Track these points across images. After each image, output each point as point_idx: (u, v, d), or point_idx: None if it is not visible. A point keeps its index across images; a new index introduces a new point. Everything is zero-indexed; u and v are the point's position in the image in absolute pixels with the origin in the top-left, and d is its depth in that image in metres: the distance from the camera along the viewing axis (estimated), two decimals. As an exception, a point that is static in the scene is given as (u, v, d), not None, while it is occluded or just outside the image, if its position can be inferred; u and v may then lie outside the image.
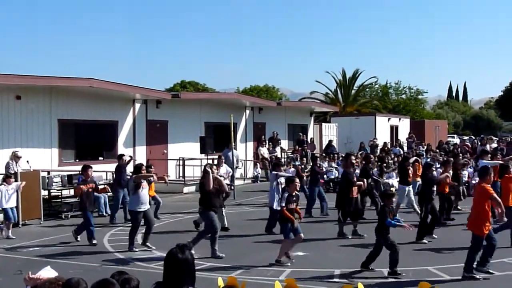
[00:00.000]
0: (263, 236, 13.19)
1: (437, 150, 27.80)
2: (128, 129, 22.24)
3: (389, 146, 30.95)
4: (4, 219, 13.78)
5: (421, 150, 29.05)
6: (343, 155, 19.81)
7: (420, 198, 13.02)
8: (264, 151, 27.40)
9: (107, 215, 17.10)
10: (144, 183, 11.84)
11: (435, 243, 12.10)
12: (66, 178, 17.90)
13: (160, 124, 23.59)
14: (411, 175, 15.95)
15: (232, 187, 20.90)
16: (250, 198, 18.88)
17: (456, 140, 46.21)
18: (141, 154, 22.47)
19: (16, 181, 14.42)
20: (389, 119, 40.54)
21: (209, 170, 11.52)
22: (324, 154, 27.03)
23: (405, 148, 31.43)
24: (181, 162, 23.25)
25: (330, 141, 30.84)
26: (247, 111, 29.05)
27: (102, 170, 20.16)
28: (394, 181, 21.30)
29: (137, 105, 22.63)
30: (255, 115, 29.63)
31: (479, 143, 28.41)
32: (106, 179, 20.04)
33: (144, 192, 11.84)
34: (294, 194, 10.61)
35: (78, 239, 12.69)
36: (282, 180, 13.25)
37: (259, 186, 23.88)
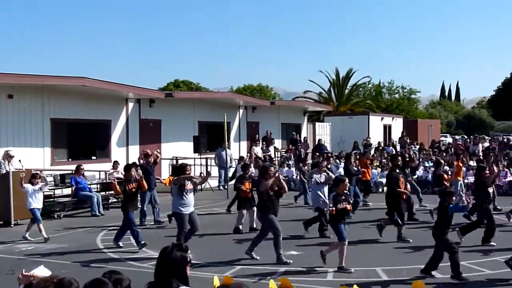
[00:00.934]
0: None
1: (430, 150, 27.85)
2: (121, 128, 22.17)
3: (382, 145, 31.00)
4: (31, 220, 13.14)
5: (414, 149, 29.13)
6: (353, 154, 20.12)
7: (477, 201, 12.47)
8: (257, 150, 27.35)
9: (100, 214, 17.06)
10: (189, 185, 11.14)
11: (426, 242, 12.11)
12: (58, 177, 17.86)
13: (154, 123, 23.53)
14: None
15: (226, 187, 20.91)
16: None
17: (449, 139, 46.36)
18: (134, 154, 22.39)
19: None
20: (382, 118, 40.59)
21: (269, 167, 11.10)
22: (317, 154, 27.03)
23: (398, 148, 31.47)
24: (174, 161, 23.20)
25: (320, 141, 30.83)
26: (241, 111, 29.04)
27: (95, 170, 20.13)
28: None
29: (130, 104, 22.57)
30: (249, 115, 29.62)
31: (472, 143, 28.48)
32: (99, 178, 20.00)
33: (190, 194, 11.15)
34: (343, 193, 10.21)
35: (120, 244, 12.08)
36: (322, 179, 13.28)
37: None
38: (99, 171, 20.22)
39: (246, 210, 13.92)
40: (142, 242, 11.68)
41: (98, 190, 18.81)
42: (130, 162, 20.88)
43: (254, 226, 13.64)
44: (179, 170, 11.61)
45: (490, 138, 36.06)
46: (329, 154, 26.31)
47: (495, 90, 54.75)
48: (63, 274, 4.23)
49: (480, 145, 27.38)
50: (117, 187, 12.78)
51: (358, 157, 20.63)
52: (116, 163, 20.20)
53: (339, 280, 9.04)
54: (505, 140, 31.52)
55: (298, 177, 24.49)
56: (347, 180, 10.65)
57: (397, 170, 13.14)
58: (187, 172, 11.25)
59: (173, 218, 13.79)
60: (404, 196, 12.70)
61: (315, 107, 40.83)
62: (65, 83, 18.91)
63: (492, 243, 11.72)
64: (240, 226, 13.74)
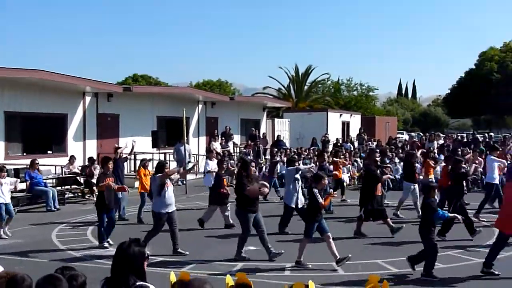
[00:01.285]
0: (218, 231, 13.18)
1: (387, 146, 28.26)
2: (78, 122, 21.83)
3: (341, 141, 31.32)
4: None
5: (371, 146, 29.50)
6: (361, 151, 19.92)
7: (451, 194, 12.65)
8: (216, 145, 27.29)
9: (55, 210, 16.77)
10: (169, 182, 10.94)
11: (383, 237, 12.31)
12: (13, 172, 17.46)
13: (111, 117, 23.26)
14: (417, 172, 16.01)
15: (184, 182, 20.81)
16: (202, 193, 18.78)
17: (405, 136, 47.09)
18: (91, 148, 22.14)
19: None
20: (340, 115, 40.95)
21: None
22: (276, 149, 27.15)
23: (356, 144, 31.85)
24: (132, 156, 22.95)
25: (278, 136, 30.97)
26: (200, 106, 28.94)
27: (51, 164, 19.79)
28: (345, 176, 21.63)
29: (88, 98, 22.23)
30: (208, 110, 29.54)
31: (427, 140, 29.02)
32: (55, 173, 19.66)
33: (170, 192, 10.91)
34: (322, 190, 10.22)
35: (105, 244, 11.46)
36: (298, 176, 13.24)
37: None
38: (55, 166, 19.86)
39: (218, 206, 13.93)
40: (105, 244, 11.39)
41: (54, 185, 18.50)
42: (87, 156, 20.70)
43: (231, 221, 13.67)
44: (158, 168, 11.34)
45: (444, 135, 36.74)
46: (288, 150, 26.56)
47: (450, 88, 55.81)
48: (17, 270, 4.14)
49: (435, 142, 27.93)
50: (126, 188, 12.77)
51: (316, 154, 20.73)
52: (72, 158, 19.92)
53: (296, 275, 9.10)
54: (459, 137, 32.22)
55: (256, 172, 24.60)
56: (325, 177, 10.70)
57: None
58: (166, 170, 11.06)
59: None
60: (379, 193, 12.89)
61: (274, 103, 40.94)
62: (20, 75, 18.45)
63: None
64: (231, 220, 13.68)
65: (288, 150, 27.41)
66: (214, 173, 15.13)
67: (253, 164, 10.98)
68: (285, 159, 21.14)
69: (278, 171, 20.94)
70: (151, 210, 11.25)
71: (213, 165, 16.72)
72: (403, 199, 15.11)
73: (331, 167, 18.57)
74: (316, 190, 9.89)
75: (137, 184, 21.48)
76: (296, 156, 17.77)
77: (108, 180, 11.80)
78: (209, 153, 19.35)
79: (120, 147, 17.55)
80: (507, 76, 48.33)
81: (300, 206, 12.96)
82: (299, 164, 15.35)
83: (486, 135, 36.80)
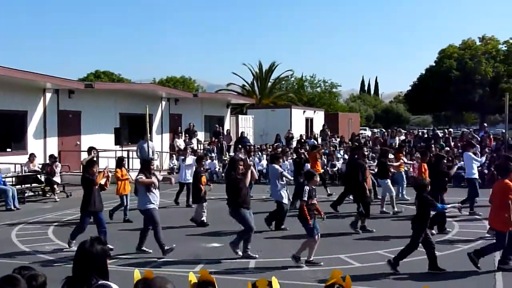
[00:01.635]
0: (183, 229, 13.12)
1: (350, 142, 28.52)
2: (39, 120, 21.44)
3: (304, 138, 31.48)
4: None
5: (335, 142, 29.75)
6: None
7: (435, 190, 12.88)
8: (180, 142, 27.19)
9: (15, 209, 16.46)
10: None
11: (345, 233, 12.42)
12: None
13: (73, 114, 22.91)
14: (390, 168, 16.13)
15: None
16: (166, 190, 18.65)
17: (368, 132, 47.65)
18: (52, 146, 21.77)
19: None
20: (304, 111, 41.17)
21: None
22: (239, 146, 27.16)
23: (319, 140, 32.05)
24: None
25: (242, 133, 31.00)
26: (163, 102, 28.75)
27: (11, 162, 19.44)
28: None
29: (48, 95, 21.85)
30: (171, 107, 29.36)
31: (389, 136, 29.39)
32: (15, 171, 19.31)
33: (156, 190, 10.83)
34: (313, 188, 9.95)
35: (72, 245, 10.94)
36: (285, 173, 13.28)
37: (175, 177, 23.63)
38: (15, 164, 19.51)
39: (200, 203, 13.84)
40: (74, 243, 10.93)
41: (14, 183, 18.15)
42: (48, 154, 20.37)
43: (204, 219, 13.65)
44: (145, 165, 11.26)
45: (406, 131, 37.27)
46: (252, 147, 26.59)
47: (411, 85, 56.53)
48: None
49: (397, 138, 28.30)
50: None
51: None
52: (32, 156, 19.59)
53: (260, 272, 9.11)
54: (420, 133, 32.70)
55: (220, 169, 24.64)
56: (317, 175, 10.73)
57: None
58: (140, 180, 10.75)
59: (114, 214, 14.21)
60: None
61: (238, 100, 40.94)
62: (-23, 71, 18.06)
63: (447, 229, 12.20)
64: (204, 219, 13.64)
65: (252, 147, 27.48)
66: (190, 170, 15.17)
67: (241, 163, 10.74)
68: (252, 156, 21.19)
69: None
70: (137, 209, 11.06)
71: (189, 161, 16.84)
72: (384, 195, 15.35)
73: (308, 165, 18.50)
74: (307, 188, 9.73)
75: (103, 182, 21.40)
76: (280, 154, 17.59)
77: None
78: (184, 150, 19.27)
79: (94, 148, 17.20)
80: (466, 73, 49.19)
81: (286, 202, 13.03)
82: (283, 161, 15.42)
83: (446, 131, 37.45)
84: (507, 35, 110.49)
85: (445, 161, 14.90)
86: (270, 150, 26.16)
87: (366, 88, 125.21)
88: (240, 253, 10.21)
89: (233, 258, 10.07)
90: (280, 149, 22.04)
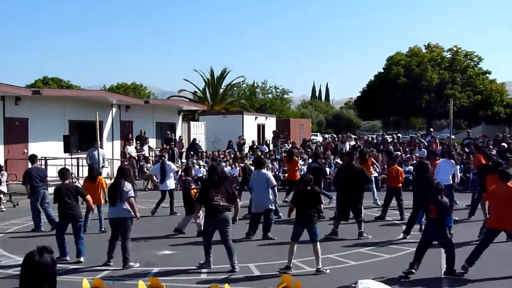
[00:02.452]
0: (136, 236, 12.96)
1: (302, 148, 28.78)
2: (-16, 128, 20.92)
3: (256, 144, 31.63)
4: None
5: (286, 147, 29.95)
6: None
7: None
8: (131, 149, 26.95)
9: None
10: None
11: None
12: None
13: (20, 122, 22.41)
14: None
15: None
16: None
17: (319, 138, 48.13)
18: (-2, 154, 21.27)
19: None
20: (256, 117, 41.39)
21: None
22: (192, 153, 27.10)
23: (271, 146, 32.24)
24: (43, 161, 22.27)
25: (194, 140, 30.96)
26: (114, 109, 28.45)
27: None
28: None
29: (-6, 102, 21.35)
30: (122, 113, 29.08)
31: (340, 141, 29.79)
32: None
33: None
34: None
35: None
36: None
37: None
38: (-41, 173, 18.94)
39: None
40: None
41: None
42: (-6, 163, 19.85)
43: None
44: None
45: (356, 137, 37.84)
46: (204, 153, 26.55)
47: (360, 91, 57.44)
48: None
49: (347, 143, 28.71)
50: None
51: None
52: (-23, 165, 19.10)
53: (212, 278, 9.09)
54: (370, 138, 33.27)
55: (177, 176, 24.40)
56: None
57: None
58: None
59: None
60: None
61: (190, 106, 40.86)
62: None
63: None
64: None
65: (204, 153, 27.45)
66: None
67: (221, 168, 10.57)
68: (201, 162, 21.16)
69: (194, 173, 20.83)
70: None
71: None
72: None
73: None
74: None
75: (50, 190, 20.99)
76: (265, 159, 17.47)
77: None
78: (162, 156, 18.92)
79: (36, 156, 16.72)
80: (413, 80, 50.28)
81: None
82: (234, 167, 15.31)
83: (395, 136, 38.21)
84: (451, 43, 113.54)
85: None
86: (223, 156, 26.20)
87: (317, 94, 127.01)
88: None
89: (185, 266, 10.02)
90: (233, 155, 22.11)
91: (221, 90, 57.69)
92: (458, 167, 15.88)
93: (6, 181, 19.36)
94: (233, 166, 23.28)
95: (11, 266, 10.05)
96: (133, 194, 10.56)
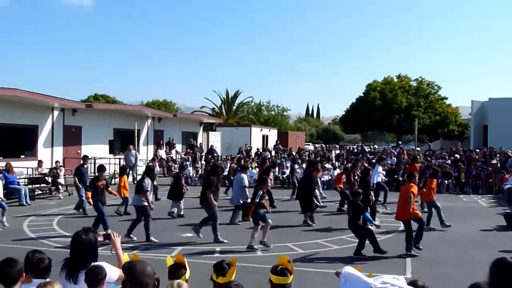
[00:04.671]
0: (161, 221, 13.04)
1: (297, 154, 28.73)
2: (47, 132, 21.04)
3: (261, 150, 31.61)
4: None
5: (284, 154, 29.89)
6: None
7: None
8: (162, 153, 27.03)
9: (27, 204, 16.11)
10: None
11: (296, 225, 12.53)
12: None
13: (75, 129, 22.55)
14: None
15: (134, 182, 20.42)
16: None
17: (311, 147, 48.01)
18: (58, 153, 21.39)
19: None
20: (261, 129, 41.36)
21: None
22: (210, 156, 27.11)
23: (273, 153, 32.19)
24: (93, 160, 22.35)
25: (212, 146, 30.99)
26: (149, 120, 28.53)
27: (24, 166, 19.03)
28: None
29: (56, 112, 21.47)
30: (155, 124, 29.15)
31: (327, 150, 29.76)
32: (27, 174, 18.89)
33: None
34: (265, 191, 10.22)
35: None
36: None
37: (158, 180, 23.47)
38: (27, 168, 19.09)
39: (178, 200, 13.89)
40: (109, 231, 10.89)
41: (26, 183, 17.75)
42: (54, 160, 20.01)
43: (182, 213, 13.77)
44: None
45: (340, 146, 37.72)
46: (219, 157, 26.54)
47: (345, 111, 57.28)
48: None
49: (333, 151, 28.69)
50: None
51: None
52: (40, 162, 19.31)
53: (224, 256, 9.13)
54: (351, 148, 33.22)
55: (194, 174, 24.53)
56: (269, 180, 10.81)
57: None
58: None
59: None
60: None
61: (209, 120, 40.86)
62: (-2, 93, 17.62)
63: None
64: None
65: (219, 157, 27.45)
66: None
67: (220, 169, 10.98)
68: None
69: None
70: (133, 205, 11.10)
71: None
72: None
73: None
74: (260, 192, 9.94)
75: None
76: (248, 164, 17.77)
77: (101, 183, 11.72)
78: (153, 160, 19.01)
79: (87, 156, 16.76)
80: (386, 103, 50.20)
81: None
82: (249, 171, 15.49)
83: (371, 147, 38.09)
84: (417, 74, 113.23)
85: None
86: (236, 160, 26.19)
87: (310, 112, 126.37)
88: (201, 235, 10.51)
89: (203, 245, 10.07)
90: (242, 160, 22.06)
91: (234, 107, 57.67)
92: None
93: (64, 175, 19.49)
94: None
95: (66, 242, 10.15)
96: (148, 189, 10.68)
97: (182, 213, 13.82)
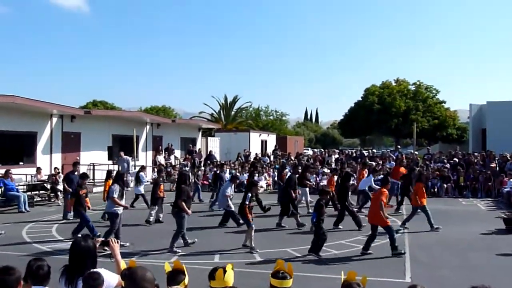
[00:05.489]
0: (158, 227, 13.05)
1: (296, 159, 28.74)
2: (46, 139, 21.06)
3: (260, 155, 31.63)
4: None
5: (283, 159, 29.90)
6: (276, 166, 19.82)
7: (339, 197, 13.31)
8: (160, 158, 27.05)
9: (26, 211, 16.11)
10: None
11: (293, 230, 12.54)
12: (-11, 180, 16.69)
13: (74, 135, 22.57)
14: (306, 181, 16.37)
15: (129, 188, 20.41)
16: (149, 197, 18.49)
17: (310, 152, 48.02)
18: (57, 160, 21.39)
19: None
20: (260, 134, 41.36)
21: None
22: (208, 162, 27.14)
23: (272, 158, 32.20)
24: (92, 166, 22.40)
25: (210, 151, 31.02)
26: (148, 126, 28.56)
27: (22, 173, 19.02)
28: (263, 183, 21.88)
29: (54, 119, 21.50)
30: (154, 130, 29.18)
31: (326, 154, 29.77)
32: (26, 180, 18.88)
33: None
34: (254, 194, 10.45)
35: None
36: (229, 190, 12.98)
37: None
38: (26, 175, 19.08)
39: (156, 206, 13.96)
40: (98, 234, 10.74)
41: (25, 190, 17.75)
42: (53, 167, 19.99)
43: (161, 218, 13.81)
44: (119, 177, 11.25)
45: (339, 151, 37.74)
46: (217, 162, 26.55)
47: (343, 115, 57.35)
48: (-8, 261, 4.00)
49: (332, 156, 28.69)
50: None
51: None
52: (39, 168, 19.32)
53: (222, 261, 9.14)
54: (350, 153, 33.22)
55: (193, 180, 24.47)
56: (259, 184, 10.89)
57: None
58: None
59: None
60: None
61: (208, 125, 40.88)
62: (-3, 100, 17.66)
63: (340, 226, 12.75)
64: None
65: (218, 162, 27.46)
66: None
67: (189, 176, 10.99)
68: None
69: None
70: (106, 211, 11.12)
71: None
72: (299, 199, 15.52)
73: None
74: (249, 195, 10.22)
75: (95, 189, 21.09)
76: (238, 175, 17.84)
77: (83, 191, 11.82)
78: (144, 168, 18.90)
79: (78, 162, 16.71)
80: (384, 107, 50.26)
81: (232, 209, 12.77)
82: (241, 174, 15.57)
83: (370, 151, 38.08)
84: (415, 78, 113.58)
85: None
86: (233, 165, 26.23)
87: (309, 117, 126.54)
88: (196, 239, 10.72)
89: (202, 250, 10.07)
90: (240, 164, 22.13)
91: (233, 113, 57.69)
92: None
93: (63, 182, 19.45)
94: (241, 173, 23.30)
95: (65, 249, 10.15)
96: (114, 195, 10.48)
97: (151, 219, 13.72)
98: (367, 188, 15.64)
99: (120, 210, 10.61)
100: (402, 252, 9.65)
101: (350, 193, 13.80)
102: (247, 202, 10.10)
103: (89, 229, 11.28)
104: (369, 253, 9.73)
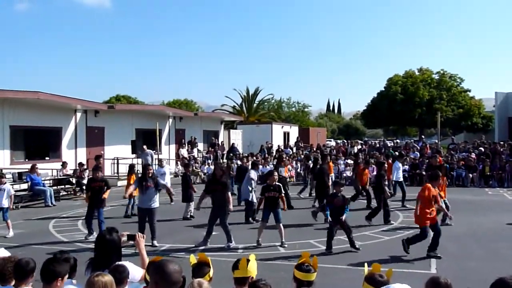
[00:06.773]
0: (184, 222, 13.15)
1: (318, 150, 28.61)
2: (71, 134, 21.40)
3: (282, 147, 31.57)
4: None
5: (305, 151, 29.80)
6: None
7: (375, 190, 12.78)
8: (183, 152, 27.21)
9: (52, 205, 16.42)
10: (150, 183, 10.19)
11: (318, 222, 12.49)
12: (17, 174, 17.08)
13: (98, 130, 22.87)
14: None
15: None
16: (173, 190, 18.65)
17: (333, 143, 47.75)
18: (82, 155, 21.73)
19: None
20: (282, 126, 41.26)
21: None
22: (231, 154, 27.20)
23: (294, 149, 32.13)
24: (115, 160, 22.69)
25: (233, 144, 31.08)
26: (170, 120, 28.75)
27: (48, 168, 19.37)
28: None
29: (79, 114, 21.82)
30: (177, 123, 29.37)
31: (349, 146, 29.56)
32: (52, 175, 19.23)
33: (148, 191, 10.18)
34: (273, 184, 9.96)
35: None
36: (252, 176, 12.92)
37: (175, 180, 23.63)
38: (52, 169, 19.44)
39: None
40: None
41: (51, 185, 18.09)
42: (78, 162, 20.30)
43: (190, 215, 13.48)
44: (144, 170, 10.62)
45: (362, 142, 37.44)
46: (240, 155, 26.59)
47: (366, 106, 56.73)
48: (20, 255, 4.09)
49: (355, 147, 28.48)
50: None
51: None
52: (65, 163, 19.61)
53: (246, 253, 9.14)
54: (373, 143, 32.93)
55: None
56: (276, 173, 10.50)
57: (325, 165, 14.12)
58: (148, 172, 10.34)
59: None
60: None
61: (230, 118, 40.93)
62: (22, 96, 18.02)
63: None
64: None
65: (241, 154, 27.49)
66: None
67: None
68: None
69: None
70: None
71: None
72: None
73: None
74: (265, 185, 10.08)
75: (119, 183, 21.36)
76: (259, 161, 17.67)
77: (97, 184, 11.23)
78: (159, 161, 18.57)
79: (100, 156, 16.70)
80: (408, 96, 49.61)
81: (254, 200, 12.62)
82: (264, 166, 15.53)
83: (394, 141, 37.68)
84: (439, 66, 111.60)
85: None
86: (256, 158, 26.20)
87: (331, 108, 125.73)
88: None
89: (224, 243, 10.11)
90: (263, 157, 22.11)
91: (255, 105, 57.59)
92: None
93: (87, 176, 19.73)
94: (264, 165, 23.25)
95: (90, 242, 10.30)
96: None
97: (189, 215, 13.41)
98: (400, 177, 15.35)
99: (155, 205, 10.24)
100: (438, 255, 9.08)
101: (387, 182, 13.52)
102: (266, 194, 9.96)
103: (87, 224, 11.03)
104: (408, 252, 9.09)
